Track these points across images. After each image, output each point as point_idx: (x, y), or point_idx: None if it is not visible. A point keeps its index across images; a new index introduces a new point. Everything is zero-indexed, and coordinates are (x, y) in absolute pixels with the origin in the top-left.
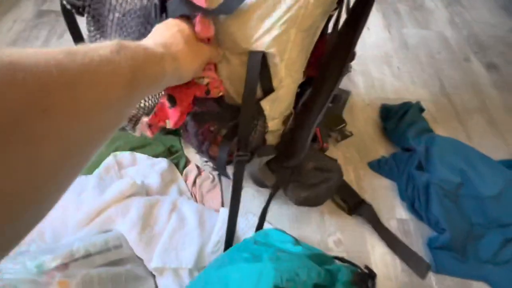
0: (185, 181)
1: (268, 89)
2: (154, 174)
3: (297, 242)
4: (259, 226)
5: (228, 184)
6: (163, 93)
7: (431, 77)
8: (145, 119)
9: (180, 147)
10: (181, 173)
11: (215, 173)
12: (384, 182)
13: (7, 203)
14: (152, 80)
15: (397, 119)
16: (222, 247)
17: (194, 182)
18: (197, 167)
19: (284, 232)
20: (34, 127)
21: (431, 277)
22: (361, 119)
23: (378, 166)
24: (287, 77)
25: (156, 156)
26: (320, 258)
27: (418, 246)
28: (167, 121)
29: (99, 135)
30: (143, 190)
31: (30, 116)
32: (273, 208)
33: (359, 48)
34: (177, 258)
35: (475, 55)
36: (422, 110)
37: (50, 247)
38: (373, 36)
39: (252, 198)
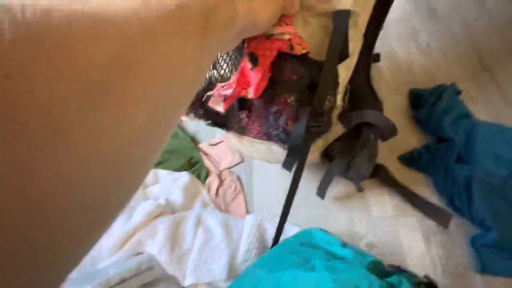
0: (208, 192)
1: (344, 54)
2: (177, 189)
3: (344, 244)
4: (281, 223)
5: (249, 190)
6: (239, 60)
7: (467, 50)
8: (218, 91)
9: (199, 158)
10: (204, 185)
11: (236, 181)
12: (419, 176)
13: (111, 166)
14: (225, 24)
15: (429, 105)
16: (252, 255)
17: (217, 192)
18: (219, 176)
19: (328, 232)
20: (123, 86)
21: (478, 278)
22: (388, 108)
23: (410, 160)
24: (359, 41)
25: (178, 169)
26: (378, 268)
27: (461, 245)
28: (248, 89)
29: (181, 93)
30: (168, 209)
31: (118, 74)
32: (300, 211)
33: None
34: (209, 272)
35: None
36: (458, 92)
37: (88, 275)
38: (396, 10)
39: (280, 202)
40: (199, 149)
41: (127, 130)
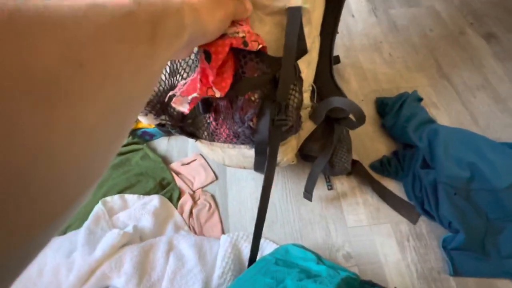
0: (181, 214)
1: (302, 51)
2: (146, 215)
3: (319, 259)
4: (255, 242)
5: (224, 208)
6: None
7: (426, 58)
8: (181, 90)
9: (171, 178)
10: (176, 206)
11: (211, 200)
12: (389, 183)
13: (52, 166)
14: (173, 33)
15: (394, 113)
16: (228, 278)
17: (191, 213)
18: (192, 197)
19: (304, 248)
20: (73, 84)
21: (451, 280)
22: None
23: (380, 167)
24: (316, 38)
25: (148, 193)
26: (350, 284)
27: (433, 248)
28: (214, 88)
29: (133, 96)
30: (136, 237)
31: (68, 72)
32: (276, 226)
33: (346, 40)
34: None
35: (471, 27)
36: (420, 99)
37: None
38: (359, 24)
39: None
40: (171, 169)
41: (77, 129)
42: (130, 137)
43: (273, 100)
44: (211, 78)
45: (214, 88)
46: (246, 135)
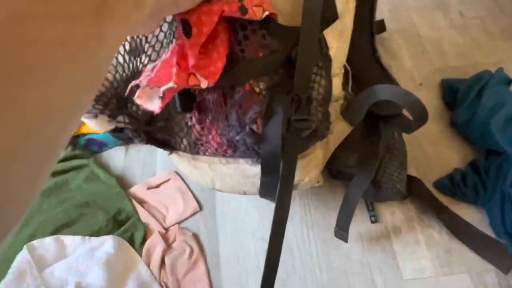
0: (148, 265)
1: (331, 15)
2: (95, 267)
3: None
4: None
5: (214, 254)
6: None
7: None
8: (148, 78)
9: (132, 210)
10: (140, 253)
11: (192, 242)
12: (466, 211)
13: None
14: (130, 2)
15: (469, 103)
16: None
17: (163, 262)
18: (164, 237)
19: None
20: None
21: None
22: None
23: (451, 187)
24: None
25: (97, 232)
26: None
27: None
28: (198, 75)
29: (73, 90)
30: None
31: None
32: (293, 281)
33: None
34: None
35: None
36: (509, 81)
37: None
38: None
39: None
40: (131, 196)
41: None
42: (69, 148)
43: (288, 91)
44: (191, 61)
45: (198, 75)
46: (247, 145)
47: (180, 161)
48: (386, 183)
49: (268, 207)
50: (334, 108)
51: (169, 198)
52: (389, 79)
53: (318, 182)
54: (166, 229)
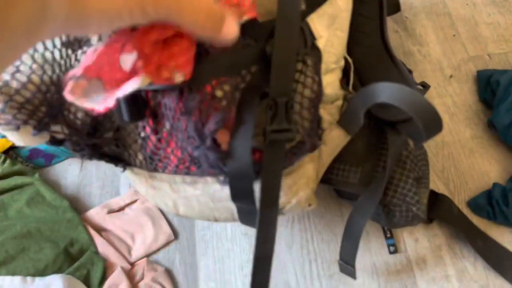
0: None
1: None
2: None
3: None
4: None
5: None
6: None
7: None
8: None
9: (88, 241)
10: None
11: (164, 279)
12: (508, 236)
13: None
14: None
15: None
16: None
17: None
18: (129, 274)
19: None
20: None
21: None
22: (441, 109)
23: (489, 207)
24: None
25: (41, 272)
26: None
27: None
28: (170, 65)
29: None
30: None
31: None
32: None
33: None
34: None
35: None
36: None
37: None
38: None
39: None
40: (87, 223)
41: None
42: (8, 162)
43: (263, 94)
44: (148, 48)
45: (170, 65)
46: (209, 162)
47: (136, 180)
48: (398, 206)
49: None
50: (330, 112)
51: (136, 224)
52: (400, 74)
53: (310, 205)
54: (132, 264)
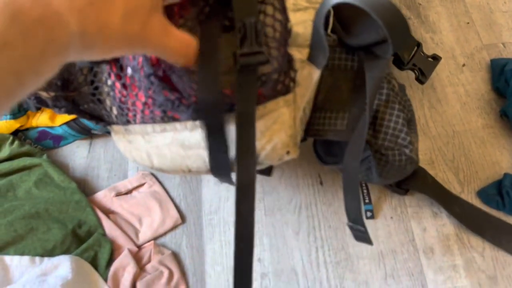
0: None
1: None
2: None
3: None
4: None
5: (199, 277)
6: None
7: None
8: None
9: (96, 222)
10: (105, 277)
11: (171, 263)
12: None
13: None
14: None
15: None
16: None
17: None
18: (136, 256)
19: None
20: None
21: None
22: (453, 98)
23: (499, 197)
24: None
25: (49, 253)
26: None
27: None
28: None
29: None
30: None
31: None
32: None
33: None
34: None
35: None
36: None
37: None
38: None
39: None
40: (95, 205)
41: None
42: (16, 143)
43: (225, 27)
44: None
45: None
46: (166, 98)
47: (116, 138)
48: (390, 149)
49: (267, 219)
50: (303, 54)
51: (143, 207)
52: None
53: (288, 152)
54: (139, 247)
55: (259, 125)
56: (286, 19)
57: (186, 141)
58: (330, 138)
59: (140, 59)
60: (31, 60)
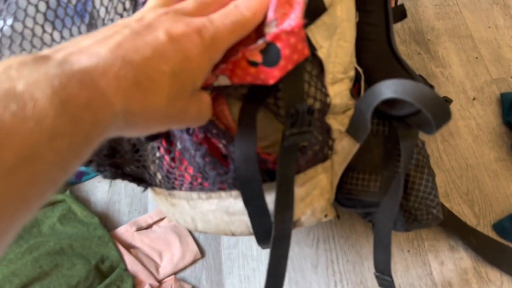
0: None
1: (316, 10)
2: None
3: None
4: None
5: None
6: None
7: None
8: None
9: (118, 257)
10: None
11: None
12: None
13: None
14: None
15: None
16: None
17: None
18: (159, 283)
19: None
20: None
21: None
22: (465, 131)
23: None
24: None
25: None
26: None
27: None
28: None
29: None
30: None
31: None
32: None
33: None
34: None
35: None
36: None
37: None
38: None
39: None
40: (116, 240)
41: None
42: None
43: (259, 103)
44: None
45: (221, 68)
46: (210, 173)
47: (157, 198)
48: (419, 210)
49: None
50: (342, 122)
51: (163, 241)
52: (408, 75)
53: (326, 215)
54: (160, 281)
55: (300, 192)
56: (326, 95)
57: (230, 208)
58: (362, 198)
59: (184, 137)
60: (77, 147)
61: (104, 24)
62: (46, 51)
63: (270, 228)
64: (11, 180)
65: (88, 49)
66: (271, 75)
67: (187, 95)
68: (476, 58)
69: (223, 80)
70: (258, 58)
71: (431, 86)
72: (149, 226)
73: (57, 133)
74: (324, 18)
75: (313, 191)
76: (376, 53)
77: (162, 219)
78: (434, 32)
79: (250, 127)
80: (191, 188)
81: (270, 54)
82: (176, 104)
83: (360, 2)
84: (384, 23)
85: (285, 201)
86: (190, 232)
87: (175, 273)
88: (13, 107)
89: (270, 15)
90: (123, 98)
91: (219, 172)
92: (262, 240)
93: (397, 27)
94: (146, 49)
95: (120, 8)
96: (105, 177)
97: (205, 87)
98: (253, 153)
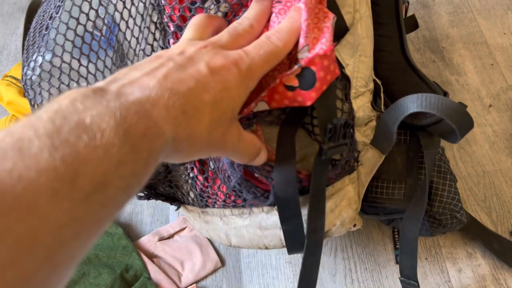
0: None
1: (339, 31)
2: None
3: None
4: None
5: None
6: None
7: None
8: None
9: (142, 267)
10: None
11: None
12: None
13: None
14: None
15: None
16: None
17: None
18: None
19: None
20: None
21: None
22: (481, 138)
23: None
24: (362, 3)
25: None
26: None
27: None
28: (262, 96)
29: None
30: None
31: None
32: None
33: None
34: None
35: None
36: None
37: None
38: None
39: None
40: (139, 249)
41: None
42: None
43: (297, 122)
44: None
45: (262, 96)
46: (250, 193)
47: (190, 216)
48: (444, 215)
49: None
50: (365, 134)
51: (185, 251)
52: (424, 84)
53: (354, 225)
54: None
55: (329, 204)
56: (351, 109)
57: (263, 223)
58: (387, 205)
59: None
60: (138, 173)
61: (135, 54)
62: (100, 83)
63: (303, 241)
64: (89, 205)
65: (138, 81)
66: (308, 97)
67: (226, 123)
68: (492, 64)
69: (262, 106)
70: (295, 82)
71: (445, 93)
72: (170, 236)
73: (122, 161)
74: (348, 38)
75: (341, 202)
76: (392, 64)
77: (183, 229)
78: (448, 40)
79: (289, 150)
80: (224, 206)
81: (306, 78)
82: (217, 130)
83: (374, 16)
84: (398, 34)
85: (318, 211)
86: (210, 242)
87: (196, 282)
88: (84, 138)
89: (302, 41)
90: (172, 125)
91: (256, 196)
92: (293, 251)
93: (411, 36)
94: (190, 80)
95: (150, 38)
96: (139, 198)
97: (247, 114)
98: (293, 176)
